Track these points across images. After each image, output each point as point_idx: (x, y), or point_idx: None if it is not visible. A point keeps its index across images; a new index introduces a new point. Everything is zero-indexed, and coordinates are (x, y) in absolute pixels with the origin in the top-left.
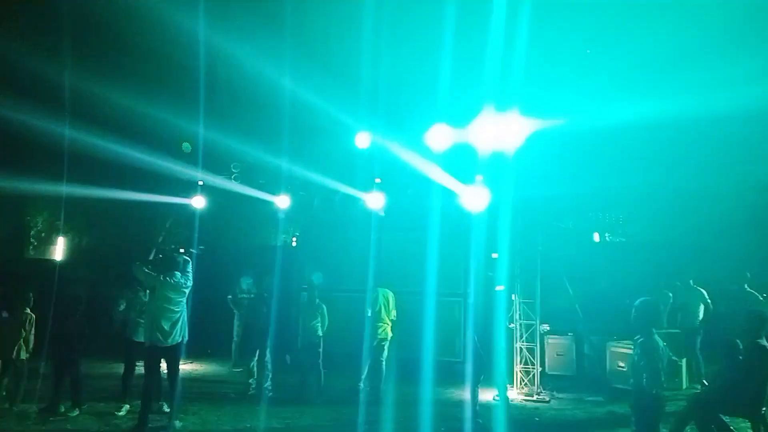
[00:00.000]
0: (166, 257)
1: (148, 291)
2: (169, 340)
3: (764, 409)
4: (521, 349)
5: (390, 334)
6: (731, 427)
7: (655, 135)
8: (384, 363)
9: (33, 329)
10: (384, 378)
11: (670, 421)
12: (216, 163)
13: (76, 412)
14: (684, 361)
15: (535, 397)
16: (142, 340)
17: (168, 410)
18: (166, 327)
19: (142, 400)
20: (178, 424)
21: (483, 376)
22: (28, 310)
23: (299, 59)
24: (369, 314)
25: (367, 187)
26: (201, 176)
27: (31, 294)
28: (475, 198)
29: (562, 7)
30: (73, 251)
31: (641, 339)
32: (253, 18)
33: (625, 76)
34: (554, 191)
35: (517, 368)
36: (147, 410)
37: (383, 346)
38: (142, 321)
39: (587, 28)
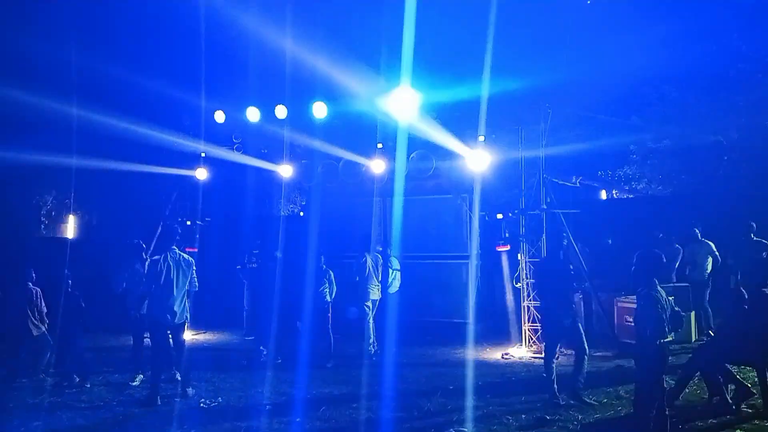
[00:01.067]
0: (164, 231)
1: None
2: (175, 320)
3: None
4: (528, 307)
5: (379, 296)
6: (738, 377)
7: (660, 90)
8: (370, 323)
9: (41, 303)
10: (373, 337)
11: (677, 372)
12: (217, 134)
13: (88, 384)
14: (692, 314)
15: (543, 355)
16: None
17: (180, 378)
18: (171, 307)
19: (151, 372)
20: (190, 391)
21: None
22: (31, 285)
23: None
24: (357, 279)
25: (369, 153)
26: (203, 148)
27: (32, 270)
28: (478, 159)
29: None
30: (82, 229)
31: (644, 291)
32: None
33: (631, 28)
34: (559, 149)
35: (525, 327)
36: (158, 381)
37: (368, 306)
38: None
39: None
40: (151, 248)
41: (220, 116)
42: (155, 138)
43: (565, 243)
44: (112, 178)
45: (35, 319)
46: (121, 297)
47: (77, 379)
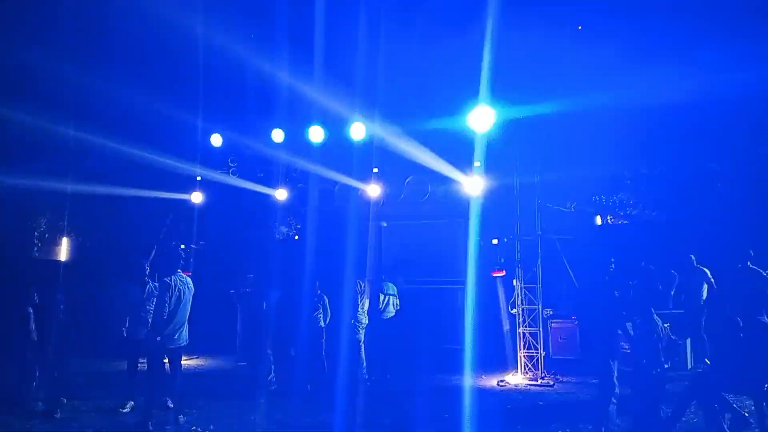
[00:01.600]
0: (169, 255)
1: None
2: (180, 345)
3: (766, 386)
4: (524, 334)
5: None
6: (735, 405)
7: (655, 117)
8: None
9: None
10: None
11: (674, 401)
12: (213, 158)
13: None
14: (688, 341)
15: (539, 382)
16: (142, 338)
17: (172, 405)
18: (180, 330)
19: (146, 397)
20: (181, 418)
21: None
22: (31, 310)
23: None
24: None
25: (365, 177)
26: (199, 171)
27: (35, 293)
28: (473, 184)
29: None
30: (76, 251)
31: (639, 320)
32: (249, 12)
33: (624, 58)
34: (555, 175)
35: (521, 353)
36: (151, 407)
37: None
38: (143, 319)
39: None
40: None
41: (216, 140)
42: (151, 161)
43: (611, 268)
44: (106, 200)
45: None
46: (117, 320)
47: (65, 401)
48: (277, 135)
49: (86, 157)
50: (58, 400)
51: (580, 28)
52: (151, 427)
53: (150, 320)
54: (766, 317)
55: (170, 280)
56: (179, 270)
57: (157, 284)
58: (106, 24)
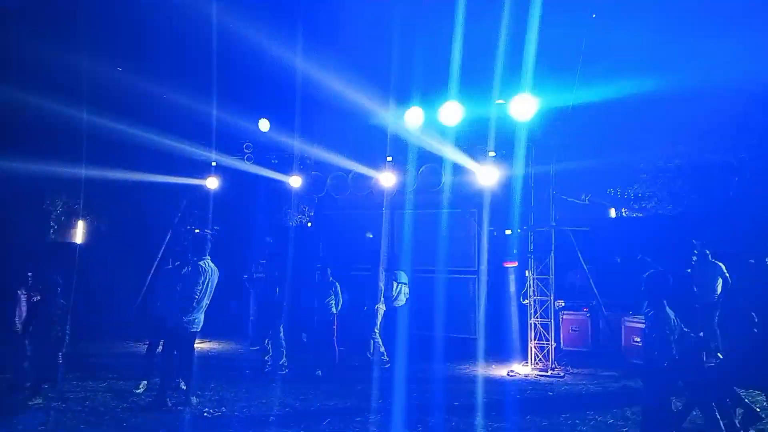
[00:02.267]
0: (197, 239)
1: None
2: (197, 329)
3: None
4: (535, 324)
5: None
6: (746, 400)
7: (672, 109)
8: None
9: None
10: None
11: (684, 394)
12: (229, 143)
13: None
14: (701, 335)
15: (549, 373)
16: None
17: (185, 387)
18: (194, 313)
19: (161, 378)
20: (194, 400)
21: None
22: (21, 291)
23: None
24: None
25: (379, 166)
26: (215, 157)
27: (28, 275)
28: (487, 174)
29: None
30: (92, 234)
31: (652, 312)
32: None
33: (641, 49)
34: (570, 166)
35: (532, 344)
36: (166, 387)
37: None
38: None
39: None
40: (160, 255)
41: (264, 125)
42: (167, 146)
43: (694, 259)
44: (122, 184)
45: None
46: (143, 301)
47: (46, 386)
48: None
49: (102, 140)
50: (40, 385)
51: (594, 16)
52: (169, 403)
53: (181, 303)
54: None
55: (205, 264)
56: (207, 255)
57: (189, 267)
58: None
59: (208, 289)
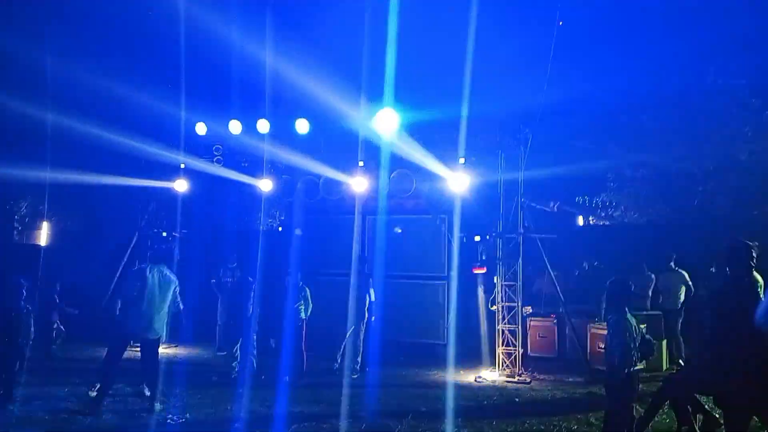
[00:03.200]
0: (156, 250)
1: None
2: (150, 336)
3: None
4: (503, 331)
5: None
6: (706, 406)
7: (638, 118)
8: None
9: None
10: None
11: (647, 400)
12: (199, 146)
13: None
14: (664, 342)
15: (516, 379)
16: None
17: (149, 393)
18: (140, 320)
19: (101, 382)
20: (158, 406)
21: None
22: None
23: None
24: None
25: (351, 170)
26: (183, 159)
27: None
28: (458, 180)
29: None
30: (57, 236)
31: (613, 318)
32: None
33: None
34: (539, 174)
35: (499, 350)
36: (104, 392)
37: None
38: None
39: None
40: (125, 258)
41: (201, 128)
42: (134, 148)
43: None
44: (88, 185)
45: None
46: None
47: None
48: (263, 125)
49: (68, 141)
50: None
51: (561, 23)
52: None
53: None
54: None
55: (146, 270)
56: (164, 265)
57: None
58: (90, 11)
59: (147, 296)
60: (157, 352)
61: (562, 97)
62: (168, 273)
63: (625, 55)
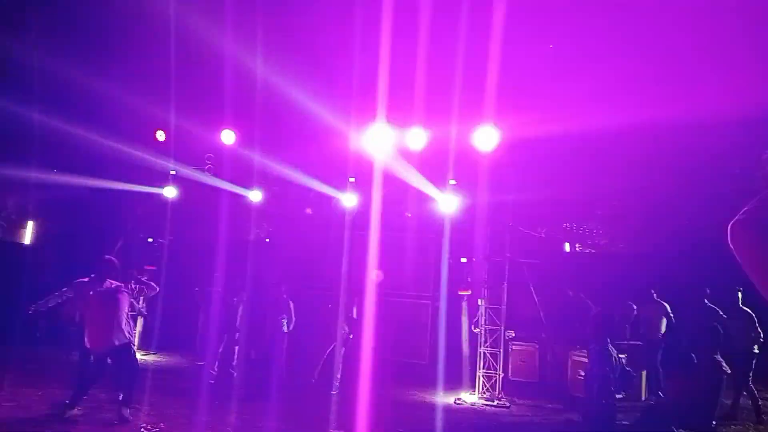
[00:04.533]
0: (100, 263)
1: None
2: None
3: (714, 423)
4: (485, 353)
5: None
6: None
7: (628, 150)
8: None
9: None
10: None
11: (625, 430)
12: (191, 154)
13: None
14: (644, 372)
15: (495, 402)
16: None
17: (122, 401)
18: (97, 332)
19: (73, 389)
20: (127, 411)
21: None
22: None
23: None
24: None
25: (341, 186)
26: (174, 166)
27: None
28: (448, 202)
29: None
30: (41, 236)
31: (595, 348)
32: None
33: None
34: (528, 199)
35: (480, 373)
36: (76, 400)
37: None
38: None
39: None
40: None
41: (228, 137)
42: (125, 153)
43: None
44: (77, 187)
45: None
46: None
47: None
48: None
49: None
50: None
51: (551, 46)
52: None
53: None
54: (719, 356)
55: (85, 286)
56: (110, 280)
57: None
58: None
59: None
60: (130, 359)
61: (554, 123)
62: (109, 289)
63: (616, 86)
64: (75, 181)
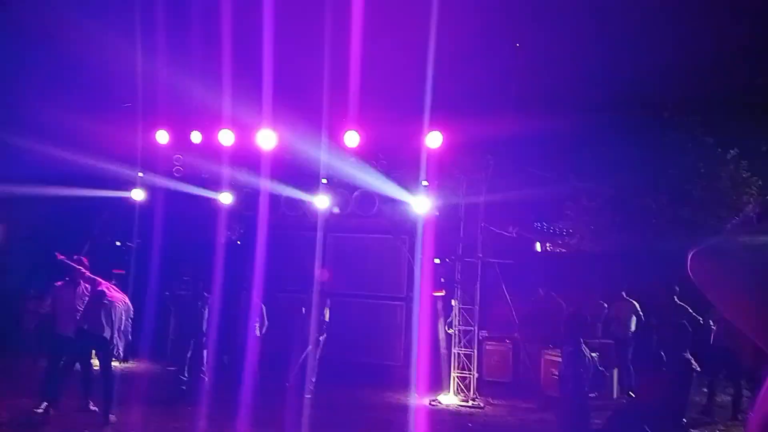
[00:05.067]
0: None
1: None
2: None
3: (685, 420)
4: (458, 354)
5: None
6: None
7: (597, 150)
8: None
9: None
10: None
11: (596, 430)
12: (158, 157)
13: None
14: (615, 371)
15: (470, 403)
16: (71, 335)
17: (95, 408)
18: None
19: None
20: (113, 418)
21: None
22: None
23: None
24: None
25: (313, 188)
26: (141, 169)
27: None
28: (420, 203)
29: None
30: (7, 238)
31: (569, 349)
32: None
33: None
34: (498, 198)
35: (454, 373)
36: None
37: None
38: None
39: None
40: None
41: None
42: (90, 156)
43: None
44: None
45: None
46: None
47: None
48: (225, 137)
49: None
50: None
51: (518, 45)
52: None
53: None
54: (688, 354)
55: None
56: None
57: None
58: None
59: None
60: (108, 362)
61: (525, 125)
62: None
63: (587, 87)
64: (37, 191)
